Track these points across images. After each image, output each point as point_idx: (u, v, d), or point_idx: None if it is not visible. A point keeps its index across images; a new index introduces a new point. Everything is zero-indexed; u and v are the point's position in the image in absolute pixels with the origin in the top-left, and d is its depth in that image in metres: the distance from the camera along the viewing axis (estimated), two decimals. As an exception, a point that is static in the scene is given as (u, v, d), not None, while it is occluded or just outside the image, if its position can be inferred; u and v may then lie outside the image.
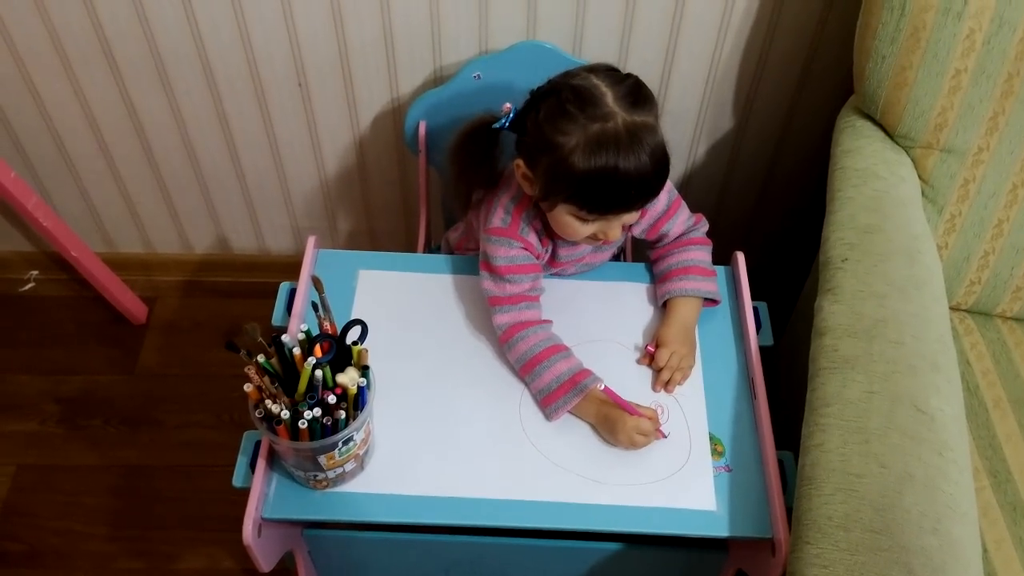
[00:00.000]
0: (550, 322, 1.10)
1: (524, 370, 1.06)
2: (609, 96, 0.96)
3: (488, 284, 1.09)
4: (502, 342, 1.08)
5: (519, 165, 1.03)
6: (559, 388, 1.03)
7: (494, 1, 1.26)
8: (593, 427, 1.04)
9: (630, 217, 1.03)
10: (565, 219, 1.02)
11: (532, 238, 1.09)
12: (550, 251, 1.12)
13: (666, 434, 1.03)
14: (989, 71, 1.08)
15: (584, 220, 1.01)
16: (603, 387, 1.01)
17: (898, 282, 1.01)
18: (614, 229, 1.02)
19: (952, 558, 0.82)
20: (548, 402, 1.04)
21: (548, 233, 1.10)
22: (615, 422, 1.01)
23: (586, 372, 1.04)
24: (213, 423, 1.58)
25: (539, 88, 1.02)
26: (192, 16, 1.28)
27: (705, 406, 1.07)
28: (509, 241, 1.07)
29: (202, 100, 1.42)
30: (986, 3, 1.03)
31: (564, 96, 0.97)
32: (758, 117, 1.44)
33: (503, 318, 1.08)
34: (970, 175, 1.16)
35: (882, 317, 0.97)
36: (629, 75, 1.00)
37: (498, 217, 1.08)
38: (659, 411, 1.05)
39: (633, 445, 1.01)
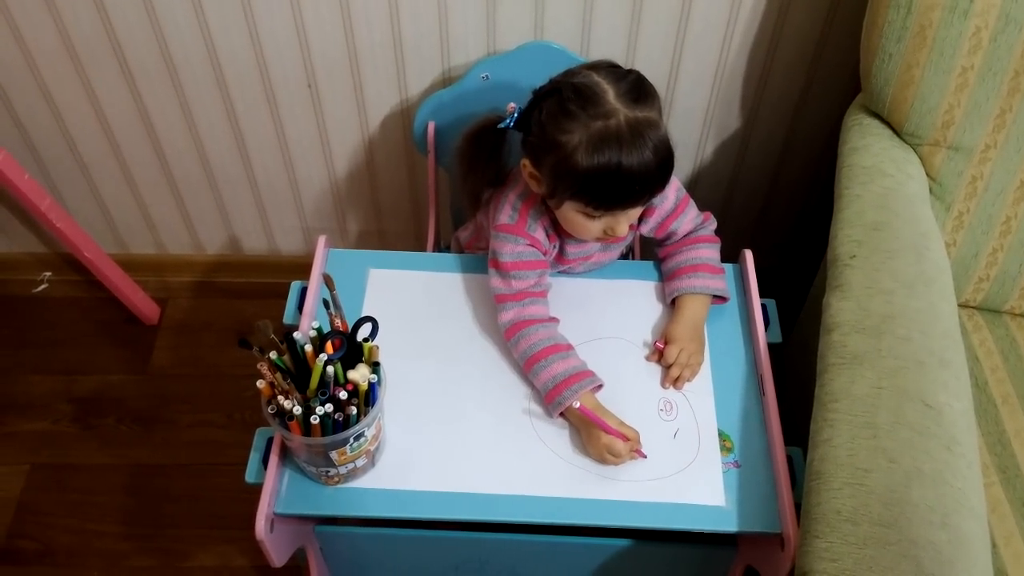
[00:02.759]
0: (555, 320, 1.10)
1: (525, 368, 1.07)
2: (610, 93, 0.97)
3: (496, 281, 1.10)
4: (506, 339, 1.09)
5: (525, 164, 1.04)
6: (554, 388, 1.03)
7: (502, 2, 1.27)
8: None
9: (636, 212, 1.04)
10: (572, 216, 1.03)
11: (540, 234, 1.09)
12: (558, 248, 1.13)
13: (645, 455, 1.02)
14: (996, 68, 1.08)
15: (591, 217, 1.01)
16: (579, 405, 1.01)
17: (906, 279, 1.02)
18: (621, 224, 1.03)
19: (961, 552, 0.82)
20: (547, 401, 1.05)
21: (556, 230, 1.10)
22: (590, 435, 1.01)
23: (581, 375, 1.04)
24: (224, 422, 1.59)
25: (541, 87, 1.03)
26: (203, 18, 1.30)
27: (714, 402, 1.08)
28: (516, 238, 1.08)
29: (213, 102, 1.43)
30: (992, 1, 1.03)
31: (565, 95, 0.98)
32: (765, 115, 1.45)
33: (507, 315, 1.09)
34: (977, 172, 1.16)
35: (890, 313, 0.98)
36: (630, 71, 1.01)
37: (506, 214, 1.09)
38: (669, 407, 1.06)
39: (603, 461, 1.01)
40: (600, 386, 1.05)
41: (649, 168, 0.96)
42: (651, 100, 0.98)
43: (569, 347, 1.07)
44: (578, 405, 1.01)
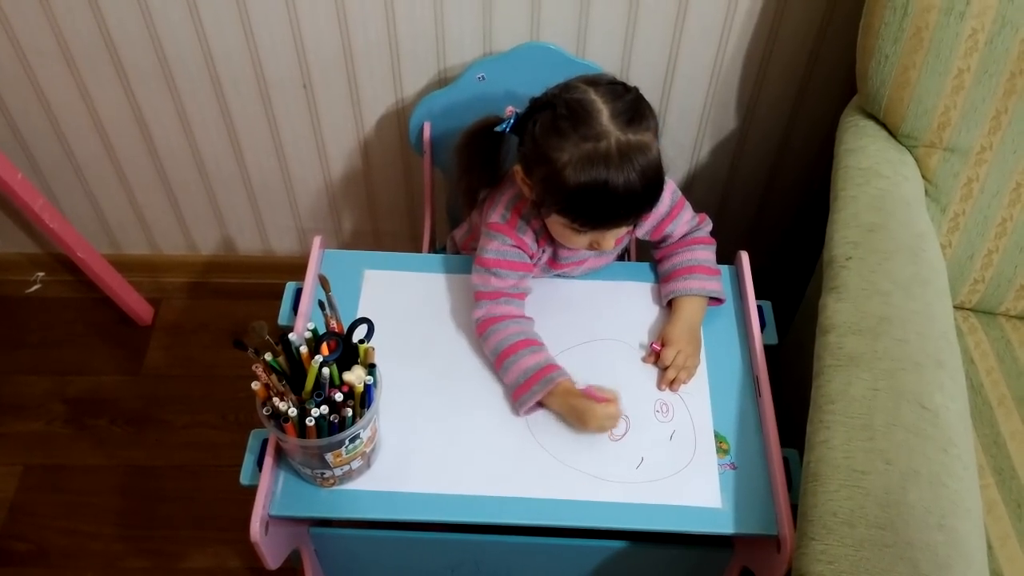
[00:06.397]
0: (528, 319, 1.10)
1: (496, 364, 1.08)
2: (605, 114, 0.96)
3: (476, 278, 1.11)
4: (477, 335, 1.09)
5: (518, 171, 1.05)
6: (526, 382, 1.04)
7: (498, 3, 1.27)
8: (561, 417, 1.05)
9: (623, 229, 1.04)
10: (559, 228, 1.04)
11: (528, 237, 1.10)
12: (549, 253, 1.13)
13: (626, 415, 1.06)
14: (992, 70, 1.08)
15: (577, 231, 1.02)
16: (585, 387, 1.03)
17: (902, 280, 1.02)
18: (607, 240, 1.04)
19: (957, 554, 0.82)
20: (516, 396, 1.05)
21: (548, 235, 1.11)
22: (584, 411, 1.02)
23: (553, 367, 1.04)
24: (218, 423, 1.59)
25: (538, 98, 1.03)
26: (197, 19, 1.29)
27: (710, 404, 1.08)
28: (504, 237, 1.09)
29: (207, 102, 1.42)
30: (988, 3, 1.03)
31: (559, 112, 0.98)
32: (762, 117, 1.45)
33: (479, 311, 1.09)
34: (973, 174, 1.17)
35: (886, 315, 0.98)
36: (630, 90, 1.01)
37: (498, 213, 1.10)
38: (665, 409, 1.07)
39: (603, 430, 1.03)
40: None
41: (634, 191, 0.96)
42: (646, 122, 0.98)
43: (541, 344, 1.08)
44: (583, 386, 1.03)
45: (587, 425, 1.02)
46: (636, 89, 1.01)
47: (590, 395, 1.02)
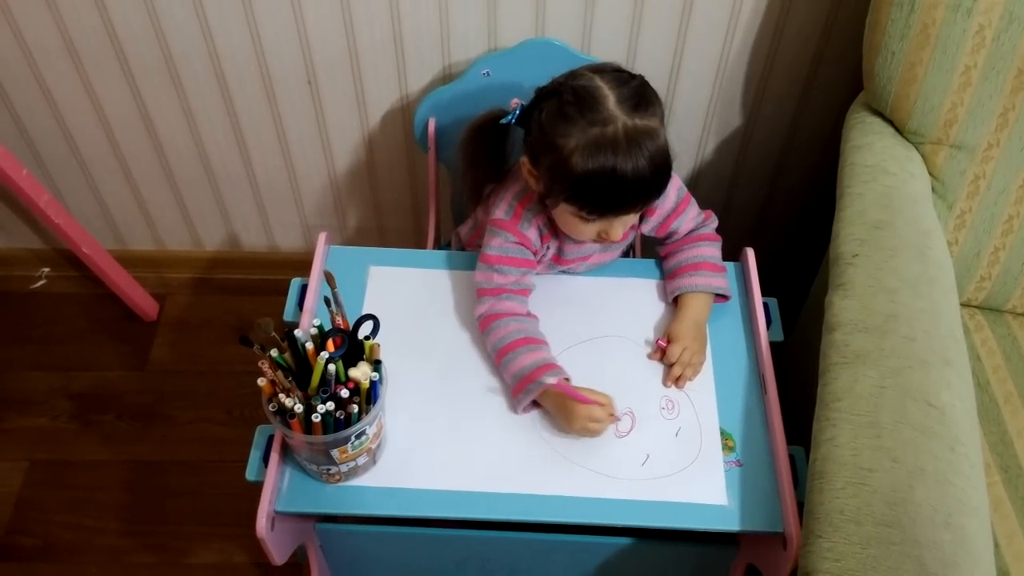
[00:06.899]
0: (531, 316, 1.10)
1: (495, 360, 1.07)
2: (611, 99, 0.96)
3: (479, 275, 1.11)
4: (480, 332, 1.09)
5: (524, 162, 1.04)
6: (522, 381, 1.03)
7: (503, -2, 1.27)
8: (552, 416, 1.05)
9: (632, 218, 1.03)
10: (567, 218, 1.03)
11: (532, 233, 1.09)
12: (554, 249, 1.13)
13: (619, 417, 1.04)
14: (999, 67, 1.08)
15: (585, 220, 1.01)
16: (555, 381, 1.00)
17: (909, 278, 1.01)
18: (616, 229, 1.03)
19: (964, 552, 0.82)
20: (513, 394, 1.05)
21: (553, 230, 1.10)
22: (569, 411, 1.01)
23: (548, 366, 1.03)
24: (224, 419, 1.59)
25: (544, 87, 1.03)
26: (203, 16, 1.29)
27: (716, 401, 1.07)
28: (506, 233, 1.09)
29: (212, 99, 1.42)
30: (996, -1, 1.03)
31: (565, 98, 0.97)
32: (767, 113, 1.44)
33: (481, 308, 1.09)
34: (980, 171, 1.16)
35: (893, 312, 0.98)
36: (635, 76, 1.00)
37: (502, 210, 1.10)
38: (671, 406, 1.07)
39: (586, 432, 1.01)
40: (567, 379, 1.04)
41: (643, 176, 0.96)
42: (652, 108, 0.98)
43: (542, 342, 1.07)
44: (554, 381, 1.00)
45: (570, 426, 1.01)
46: (641, 76, 1.01)
47: (575, 396, 1.00)
